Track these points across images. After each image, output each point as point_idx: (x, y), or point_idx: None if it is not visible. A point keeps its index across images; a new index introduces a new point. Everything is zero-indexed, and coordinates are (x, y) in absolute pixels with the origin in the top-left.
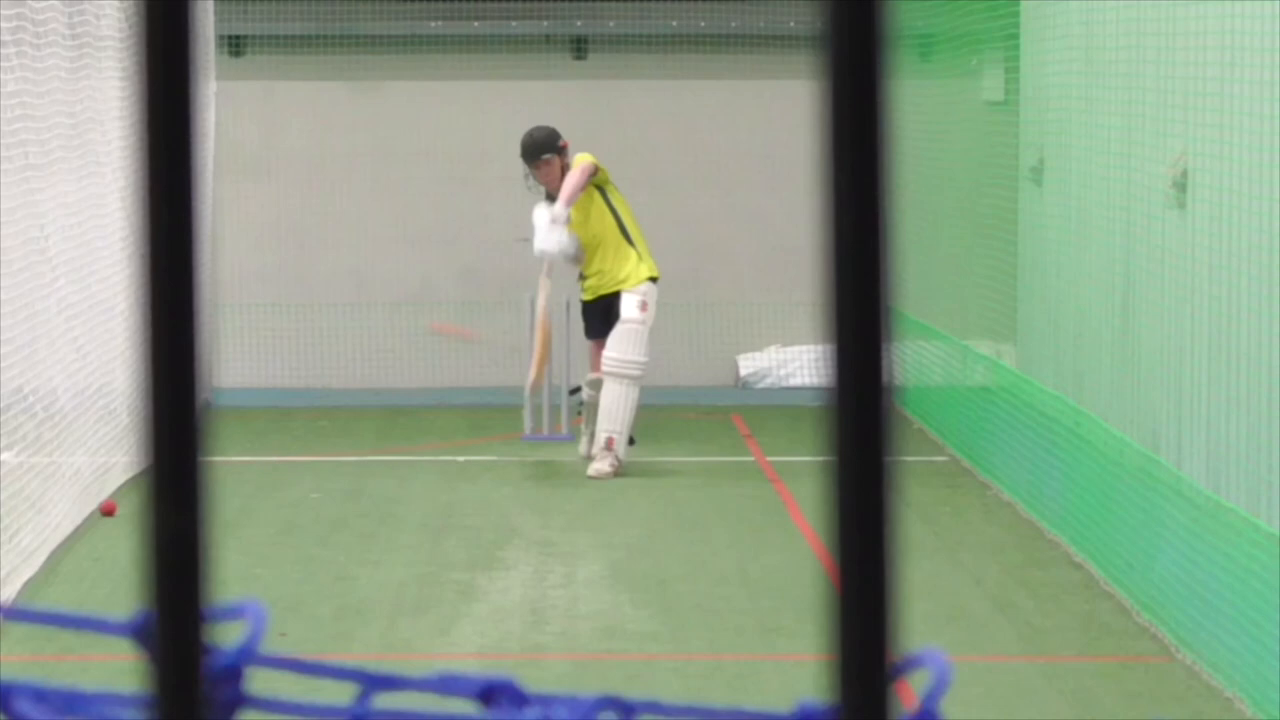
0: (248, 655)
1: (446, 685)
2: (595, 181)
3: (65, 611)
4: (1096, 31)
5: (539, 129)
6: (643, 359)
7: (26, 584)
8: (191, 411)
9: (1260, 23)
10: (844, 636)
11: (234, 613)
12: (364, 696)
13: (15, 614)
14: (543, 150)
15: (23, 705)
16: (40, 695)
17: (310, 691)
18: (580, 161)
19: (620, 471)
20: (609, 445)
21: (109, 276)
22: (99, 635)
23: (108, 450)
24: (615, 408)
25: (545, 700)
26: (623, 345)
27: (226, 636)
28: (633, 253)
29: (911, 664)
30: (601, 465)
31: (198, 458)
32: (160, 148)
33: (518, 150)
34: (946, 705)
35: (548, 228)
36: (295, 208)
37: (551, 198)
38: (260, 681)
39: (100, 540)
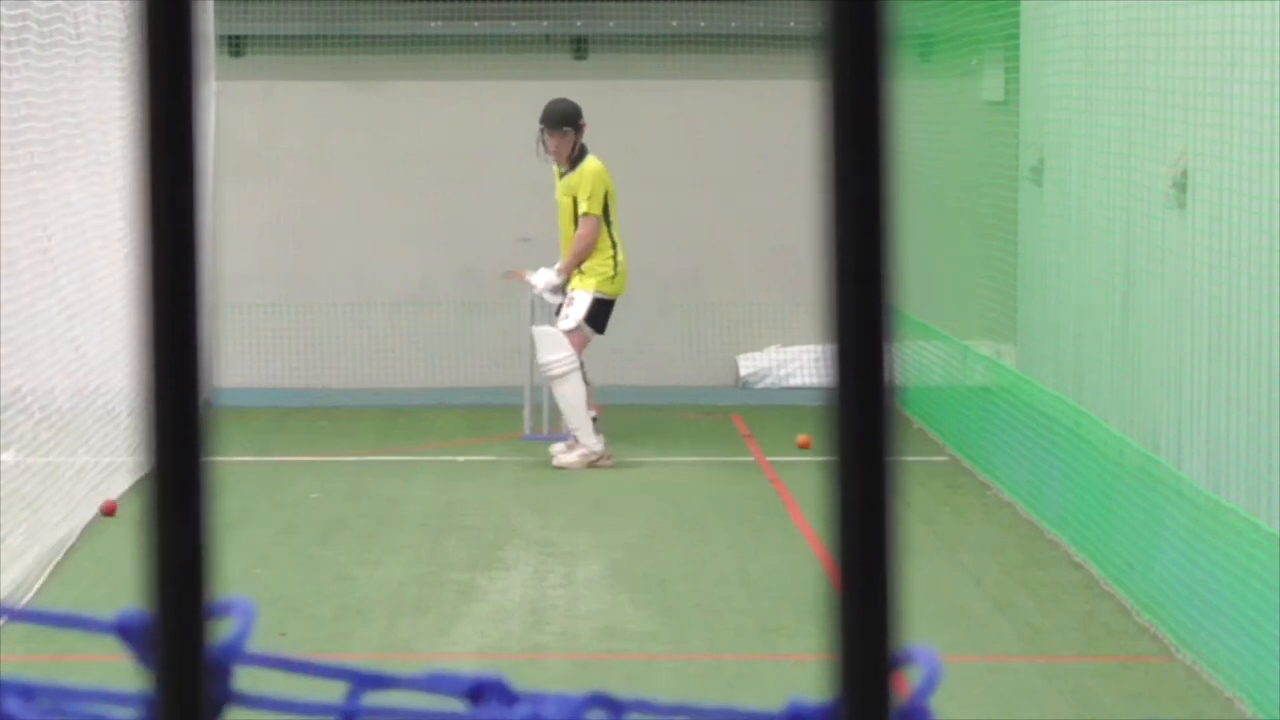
0: (234, 652)
1: (436, 684)
2: (607, 192)
3: (53, 610)
4: (1096, 31)
5: (565, 100)
6: (556, 356)
7: (26, 584)
8: (194, 414)
9: (1260, 23)
10: (845, 636)
11: (222, 609)
12: (354, 695)
13: (3, 610)
14: (564, 121)
15: (11, 703)
16: (29, 692)
17: (301, 691)
18: (590, 214)
19: (605, 463)
20: (576, 442)
21: (108, 276)
22: (94, 635)
23: (109, 450)
24: (565, 406)
25: (535, 698)
26: (539, 349)
27: (215, 633)
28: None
29: (903, 660)
30: (568, 456)
31: (200, 461)
32: (161, 148)
33: (517, 150)
34: (948, 706)
35: (544, 287)
36: (295, 208)
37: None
38: (250, 680)
39: (102, 540)
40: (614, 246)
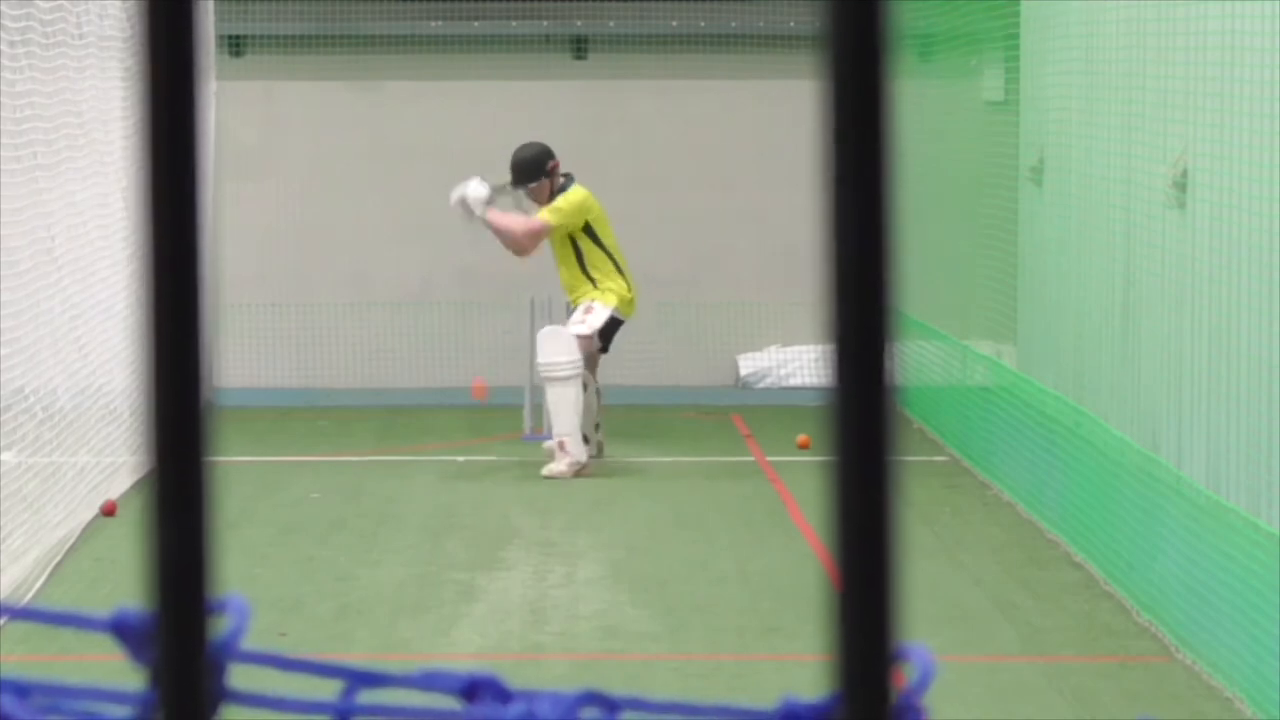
0: (228, 649)
1: (430, 681)
2: (589, 220)
3: (50, 609)
4: (1096, 31)
5: (527, 148)
6: (564, 358)
7: (26, 583)
8: (195, 415)
9: (1260, 23)
10: (844, 636)
11: (216, 607)
12: (349, 693)
13: (2, 610)
14: (533, 176)
15: (6, 701)
16: (24, 690)
17: (297, 689)
18: (544, 220)
19: (588, 471)
20: (561, 447)
21: (111, 276)
22: (92, 634)
23: (110, 451)
24: (558, 410)
25: (529, 696)
26: (545, 348)
27: (210, 631)
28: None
29: (897, 658)
30: (557, 466)
31: (200, 461)
32: (162, 148)
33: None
34: (949, 706)
35: (473, 197)
36: (295, 208)
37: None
38: (246, 678)
39: (102, 540)
40: (621, 273)
